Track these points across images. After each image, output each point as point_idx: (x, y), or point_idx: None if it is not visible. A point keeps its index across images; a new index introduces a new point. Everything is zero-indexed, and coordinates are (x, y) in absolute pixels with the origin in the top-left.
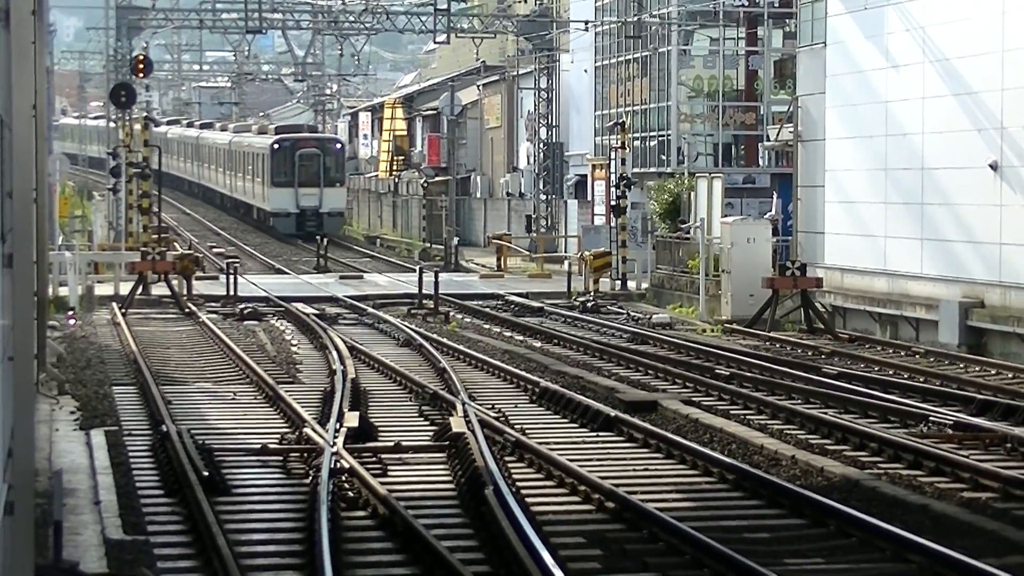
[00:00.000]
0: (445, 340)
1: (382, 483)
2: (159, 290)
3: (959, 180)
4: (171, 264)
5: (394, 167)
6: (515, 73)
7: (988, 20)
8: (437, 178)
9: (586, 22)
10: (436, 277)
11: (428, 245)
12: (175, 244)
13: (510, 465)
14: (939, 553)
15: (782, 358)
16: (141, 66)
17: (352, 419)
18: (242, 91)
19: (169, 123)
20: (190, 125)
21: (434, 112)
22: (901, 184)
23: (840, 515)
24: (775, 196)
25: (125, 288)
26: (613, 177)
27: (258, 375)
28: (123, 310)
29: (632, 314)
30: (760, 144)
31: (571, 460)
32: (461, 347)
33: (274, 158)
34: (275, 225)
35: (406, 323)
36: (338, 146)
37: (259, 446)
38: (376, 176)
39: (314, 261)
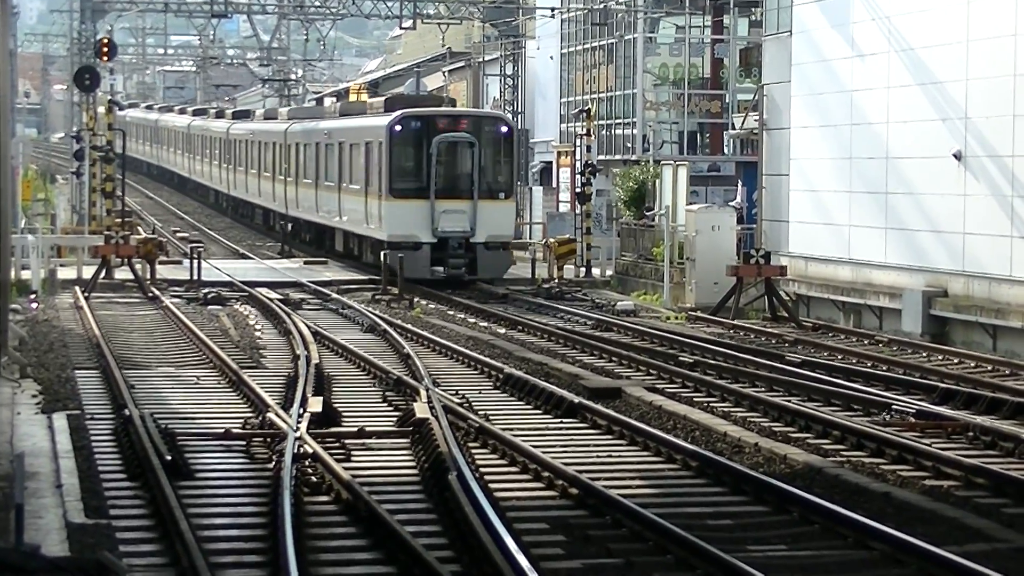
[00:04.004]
0: (409, 326)
1: (345, 468)
2: (122, 274)
3: (923, 170)
4: (134, 248)
5: None
6: (481, 60)
7: (953, 10)
8: None
9: (552, 9)
10: (400, 263)
11: None
12: (139, 228)
13: (474, 451)
14: (901, 540)
15: (746, 346)
16: (105, 49)
17: (316, 404)
18: (207, 75)
19: (161, 109)
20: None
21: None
22: (866, 173)
23: (803, 502)
24: (740, 184)
25: (88, 272)
26: (578, 164)
27: (222, 360)
28: (86, 294)
29: (596, 301)
30: (725, 132)
31: (535, 446)
32: (425, 333)
33: (394, 147)
34: (393, 264)
35: (370, 309)
36: (504, 129)
37: (222, 430)
38: None
39: (278, 247)
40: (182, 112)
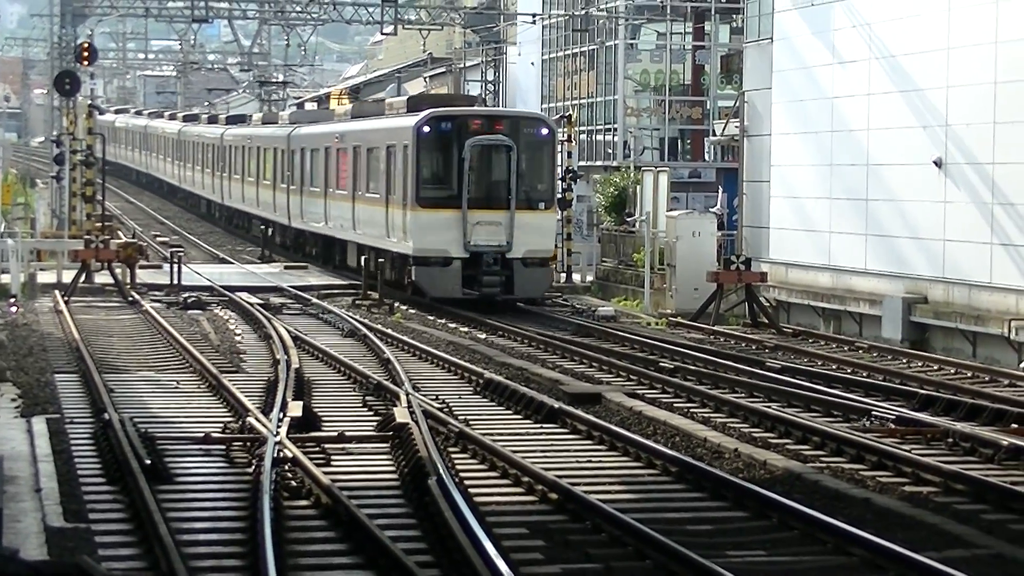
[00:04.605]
0: (389, 331)
1: (325, 473)
2: (102, 278)
3: (904, 177)
4: (114, 252)
5: None
6: (462, 65)
7: (934, 18)
8: None
9: (533, 15)
10: (380, 268)
11: None
12: (119, 232)
13: (454, 456)
14: (880, 546)
15: (726, 352)
16: (86, 54)
17: (296, 409)
18: (187, 80)
19: (151, 115)
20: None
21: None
22: (846, 180)
23: (782, 508)
24: (720, 191)
25: (68, 276)
26: (559, 170)
27: (201, 364)
28: (66, 298)
29: (577, 307)
30: (706, 139)
31: (514, 451)
32: (405, 338)
33: (422, 151)
34: (420, 281)
35: (350, 313)
36: (544, 131)
37: (202, 435)
38: None
39: (259, 251)
40: (172, 118)
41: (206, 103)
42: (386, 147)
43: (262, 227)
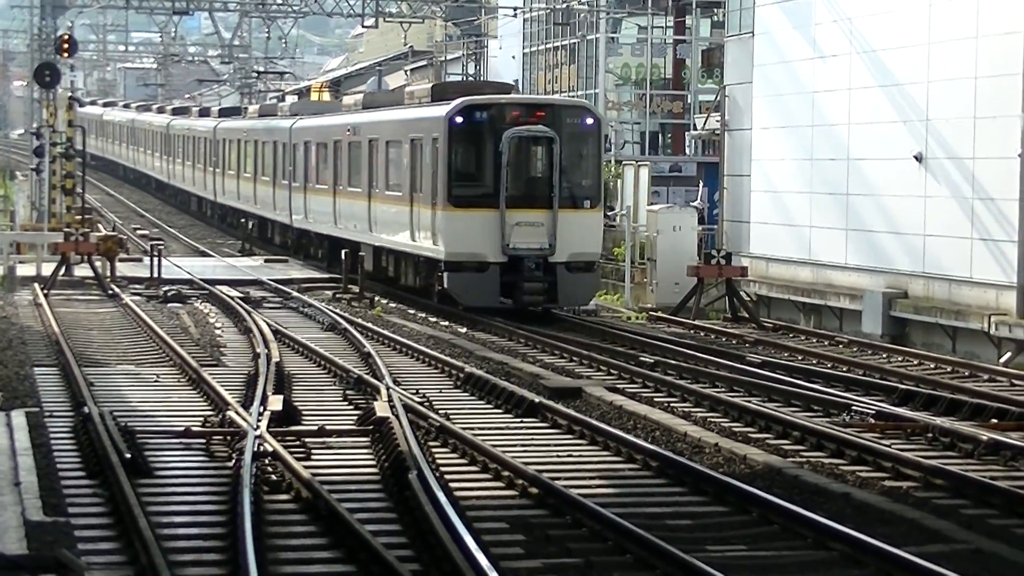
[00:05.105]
0: (370, 325)
1: (306, 467)
2: (82, 271)
3: (884, 171)
4: (94, 245)
5: None
6: (443, 58)
7: (915, 13)
8: None
9: (514, 8)
10: (360, 262)
11: None
12: (99, 225)
13: (434, 450)
14: (860, 541)
15: (706, 346)
16: (66, 46)
17: (276, 402)
18: (168, 72)
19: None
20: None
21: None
22: (827, 174)
23: (763, 503)
24: (701, 185)
25: (48, 269)
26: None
27: (182, 357)
28: (45, 291)
29: None
30: (687, 133)
31: (495, 445)
32: (386, 332)
33: (454, 144)
34: (453, 289)
35: (331, 307)
36: (589, 121)
37: (182, 429)
38: None
39: (239, 244)
40: (160, 111)
41: (186, 96)
42: (410, 140)
43: (242, 220)
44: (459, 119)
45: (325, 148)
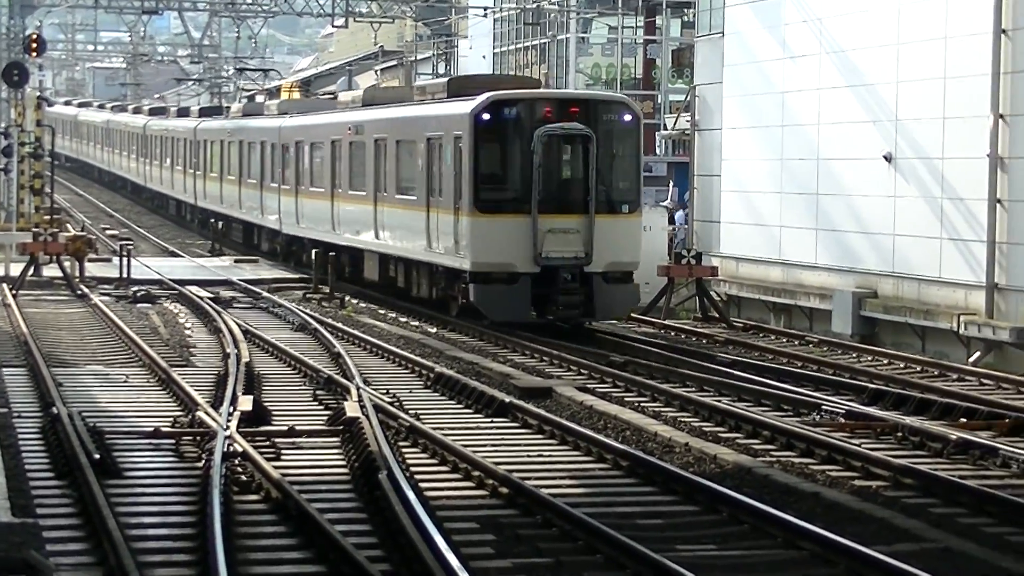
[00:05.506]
0: (340, 325)
1: (275, 467)
2: (51, 272)
3: (854, 171)
4: (63, 245)
5: None
6: (413, 58)
7: (884, 13)
8: None
9: (485, 8)
10: (331, 261)
11: None
12: (68, 225)
13: (404, 450)
14: (830, 540)
15: (677, 346)
16: (35, 45)
17: (246, 403)
18: (137, 72)
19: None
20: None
21: (331, 96)
22: (797, 175)
23: (733, 502)
24: (671, 185)
25: (16, 269)
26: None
27: (151, 358)
28: (14, 291)
29: None
30: (657, 133)
31: (465, 445)
32: (356, 332)
33: (481, 142)
34: (480, 302)
35: (301, 307)
36: (627, 118)
37: (151, 429)
38: None
39: (208, 244)
40: (137, 111)
41: (156, 95)
42: (426, 139)
43: (212, 220)
44: (486, 116)
45: (321, 148)
